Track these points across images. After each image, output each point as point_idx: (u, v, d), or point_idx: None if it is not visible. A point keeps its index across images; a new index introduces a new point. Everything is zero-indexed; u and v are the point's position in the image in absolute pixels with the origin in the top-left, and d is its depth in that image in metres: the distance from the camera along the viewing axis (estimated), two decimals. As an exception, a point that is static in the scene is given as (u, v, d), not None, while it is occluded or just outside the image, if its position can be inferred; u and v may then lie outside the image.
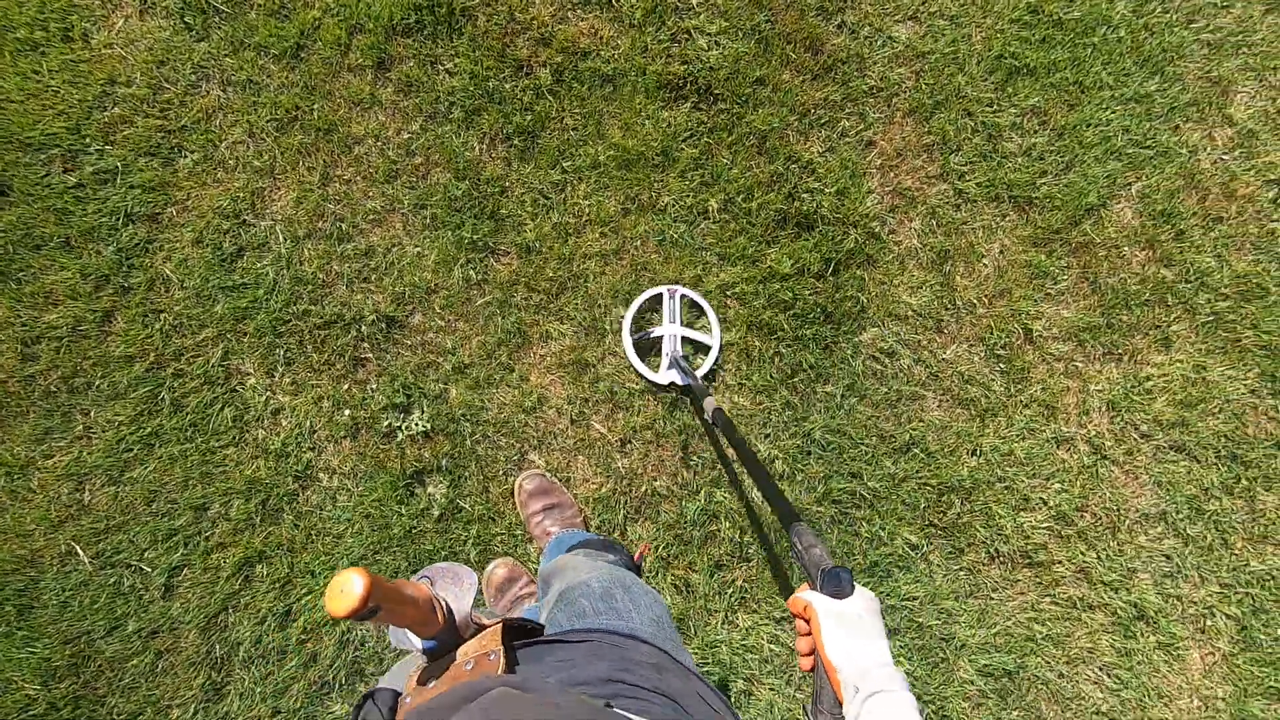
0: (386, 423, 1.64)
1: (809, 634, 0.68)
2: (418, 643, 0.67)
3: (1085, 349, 1.81)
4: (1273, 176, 1.86)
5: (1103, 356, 1.81)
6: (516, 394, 1.68)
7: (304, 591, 1.58)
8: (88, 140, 1.63)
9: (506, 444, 1.67)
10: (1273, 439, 1.80)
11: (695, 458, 1.71)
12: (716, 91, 1.80)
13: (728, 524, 1.70)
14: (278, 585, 1.58)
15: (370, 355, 1.66)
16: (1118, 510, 1.77)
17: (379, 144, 1.71)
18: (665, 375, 1.69)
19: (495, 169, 1.74)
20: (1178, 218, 1.83)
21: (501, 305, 1.70)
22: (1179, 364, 1.80)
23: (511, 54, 1.76)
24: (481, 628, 0.69)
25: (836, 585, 0.69)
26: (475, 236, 1.70)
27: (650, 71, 1.79)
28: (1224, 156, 1.87)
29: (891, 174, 1.83)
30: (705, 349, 1.74)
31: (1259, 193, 1.86)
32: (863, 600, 0.69)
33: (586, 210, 1.75)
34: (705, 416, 1.58)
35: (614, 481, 1.69)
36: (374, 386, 1.65)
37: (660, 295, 1.74)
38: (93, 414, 1.59)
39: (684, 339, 1.73)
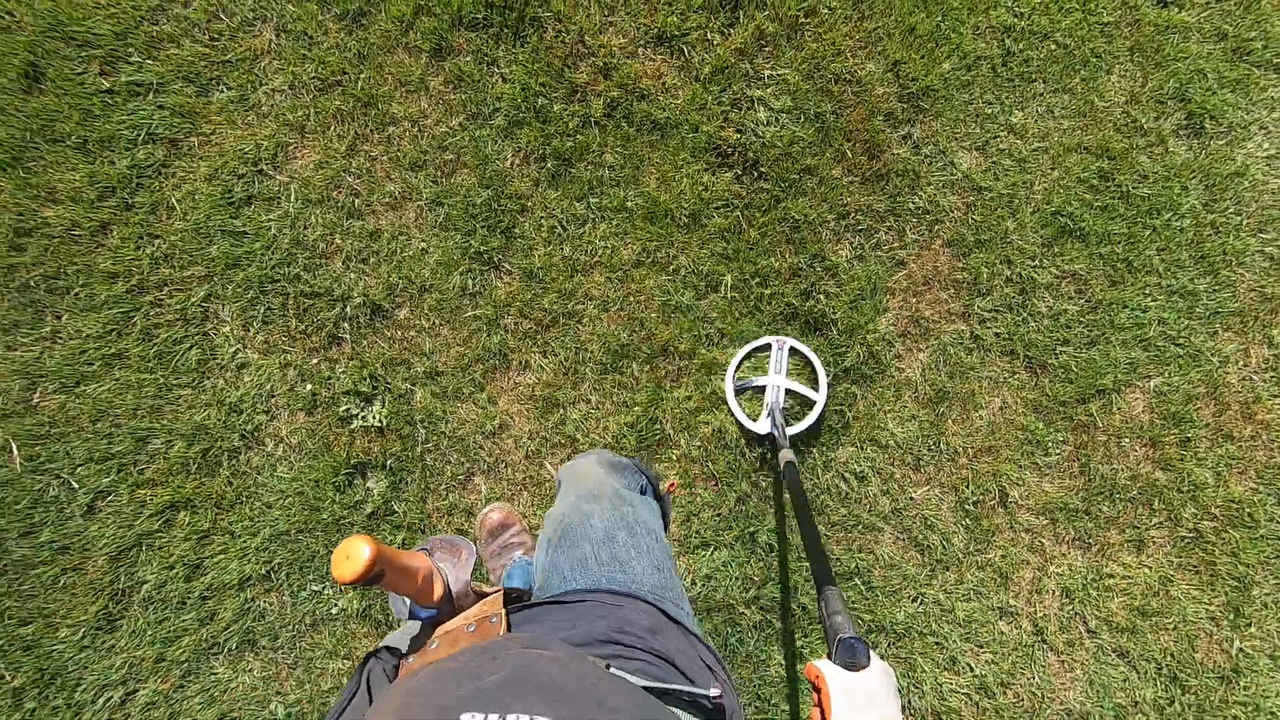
0: (345, 407, 1.62)
1: (820, 704, 0.69)
2: (420, 612, 0.70)
3: (1057, 529, 1.75)
4: (1297, 409, 1.79)
5: (1072, 541, 1.75)
6: (480, 414, 1.65)
7: (218, 550, 1.57)
8: (131, 49, 1.61)
9: (456, 461, 1.65)
10: (1218, 671, 1.74)
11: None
12: (763, 169, 1.75)
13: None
14: (196, 536, 1.58)
15: (348, 336, 1.64)
16: (1042, 698, 1.72)
17: (414, 130, 1.68)
18: (763, 425, 1.68)
19: (521, 186, 1.70)
20: (1188, 424, 1.77)
21: (490, 323, 1.67)
22: (1146, 570, 1.74)
23: (570, 76, 1.72)
24: (481, 596, 0.72)
25: (851, 656, 0.69)
26: (483, 248, 1.67)
27: (703, 130, 1.75)
28: (1254, 376, 1.80)
29: (913, 300, 1.78)
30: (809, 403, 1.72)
31: (1278, 422, 1.79)
32: (876, 673, 0.69)
33: (600, 252, 1.71)
34: (778, 467, 1.59)
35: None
36: (343, 368, 1.63)
37: (769, 345, 1.73)
38: (64, 319, 1.58)
39: (787, 391, 1.72)
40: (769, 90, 1.77)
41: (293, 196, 1.64)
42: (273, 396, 1.62)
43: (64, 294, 1.58)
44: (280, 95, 1.65)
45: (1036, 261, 1.78)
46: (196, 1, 1.63)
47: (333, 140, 1.66)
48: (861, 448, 1.74)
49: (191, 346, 1.60)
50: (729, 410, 1.70)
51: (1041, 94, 1.82)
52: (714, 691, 0.63)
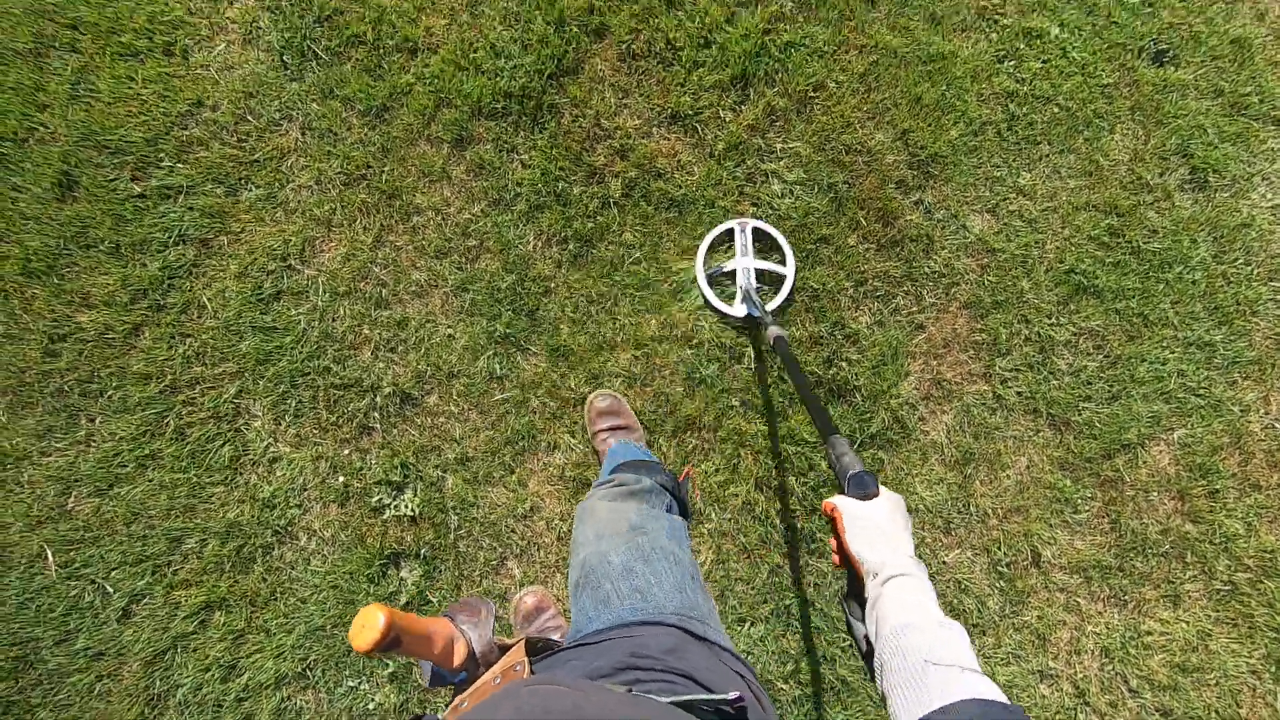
0: (377, 498, 1.63)
1: (836, 533, 0.74)
2: (448, 676, 0.71)
3: (1091, 587, 1.75)
4: (1322, 455, 1.79)
5: (1107, 599, 1.75)
6: (511, 498, 1.66)
7: (254, 649, 1.57)
8: (162, 154, 1.65)
9: (489, 546, 1.65)
10: (1263, 726, 1.73)
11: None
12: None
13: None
14: (231, 636, 1.57)
15: (378, 425, 1.66)
16: (1087, 760, 1.70)
17: (438, 218, 1.72)
18: (739, 309, 1.73)
19: (544, 268, 1.73)
20: (1215, 475, 1.78)
21: (518, 405, 1.69)
22: (1184, 626, 1.74)
23: (588, 159, 1.76)
24: (505, 649, 0.73)
25: (862, 488, 0.76)
26: (509, 331, 1.70)
27: (719, 205, 1.78)
28: (1276, 424, 1.81)
29: (935, 362, 1.79)
30: (779, 281, 1.76)
31: (1304, 468, 1.80)
32: (886, 500, 0.75)
33: (625, 329, 1.74)
34: (768, 344, 1.61)
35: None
36: (374, 458, 1.64)
37: (732, 230, 1.77)
38: (98, 422, 1.60)
39: (758, 271, 1.76)
40: (782, 163, 1.81)
41: (321, 290, 1.66)
42: (305, 490, 1.62)
43: (98, 397, 1.60)
44: (307, 191, 1.69)
45: (1053, 320, 1.81)
46: (225, 104, 1.68)
47: (359, 232, 1.69)
48: (891, 513, 1.74)
49: (224, 444, 1.61)
50: (704, 298, 1.74)
51: (1047, 155, 1.86)
52: (732, 695, 0.64)
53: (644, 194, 1.78)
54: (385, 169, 1.71)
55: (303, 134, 1.70)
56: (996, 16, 1.90)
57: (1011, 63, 1.88)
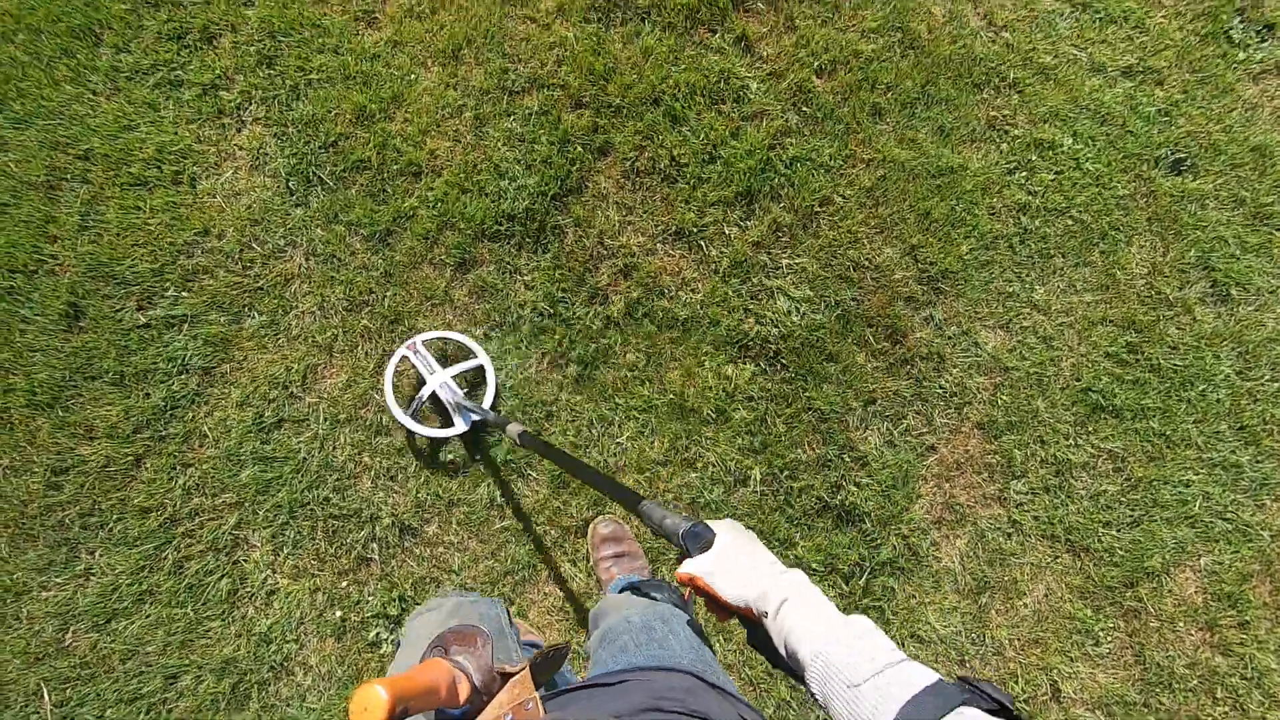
0: (375, 632, 1.60)
1: (710, 597, 0.72)
2: (450, 712, 0.68)
3: (1114, 725, 1.67)
4: (1359, 584, 1.71)
5: (1132, 738, 1.67)
6: (510, 630, 1.62)
7: (248, 793, 1.54)
8: (167, 284, 1.66)
9: (487, 681, 1.61)
10: None
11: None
12: (785, 359, 1.75)
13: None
14: (225, 777, 1.54)
15: (376, 557, 1.63)
16: None
17: (440, 343, 1.71)
18: (462, 424, 1.60)
19: (546, 392, 1.71)
20: (1245, 605, 1.70)
21: (518, 534, 1.66)
22: (1215, 769, 1.65)
23: (591, 280, 1.75)
24: (507, 676, 0.70)
25: (699, 540, 0.73)
26: (510, 457, 1.67)
27: (723, 324, 1.76)
28: (1309, 551, 1.73)
29: (947, 485, 1.74)
30: (481, 377, 1.66)
31: (1341, 599, 1.71)
32: (725, 537, 0.73)
33: (629, 452, 1.71)
34: (515, 444, 1.49)
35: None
36: (371, 590, 1.62)
37: (406, 357, 1.64)
38: (98, 555, 1.59)
39: (455, 378, 1.63)
40: (788, 279, 1.79)
41: (321, 417, 1.66)
42: (302, 624, 1.60)
43: (98, 530, 1.59)
44: (309, 317, 1.69)
45: (1070, 441, 1.75)
46: (230, 232, 1.69)
47: (360, 359, 1.68)
48: (902, 644, 1.68)
49: (222, 576, 1.60)
50: (419, 439, 1.64)
51: (1062, 269, 1.82)
52: None
53: (647, 313, 1.76)
54: (388, 294, 1.70)
55: (306, 260, 1.70)
56: (1007, 127, 1.86)
57: (1023, 174, 1.85)
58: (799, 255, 1.79)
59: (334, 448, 1.66)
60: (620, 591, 1.23)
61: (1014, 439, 1.74)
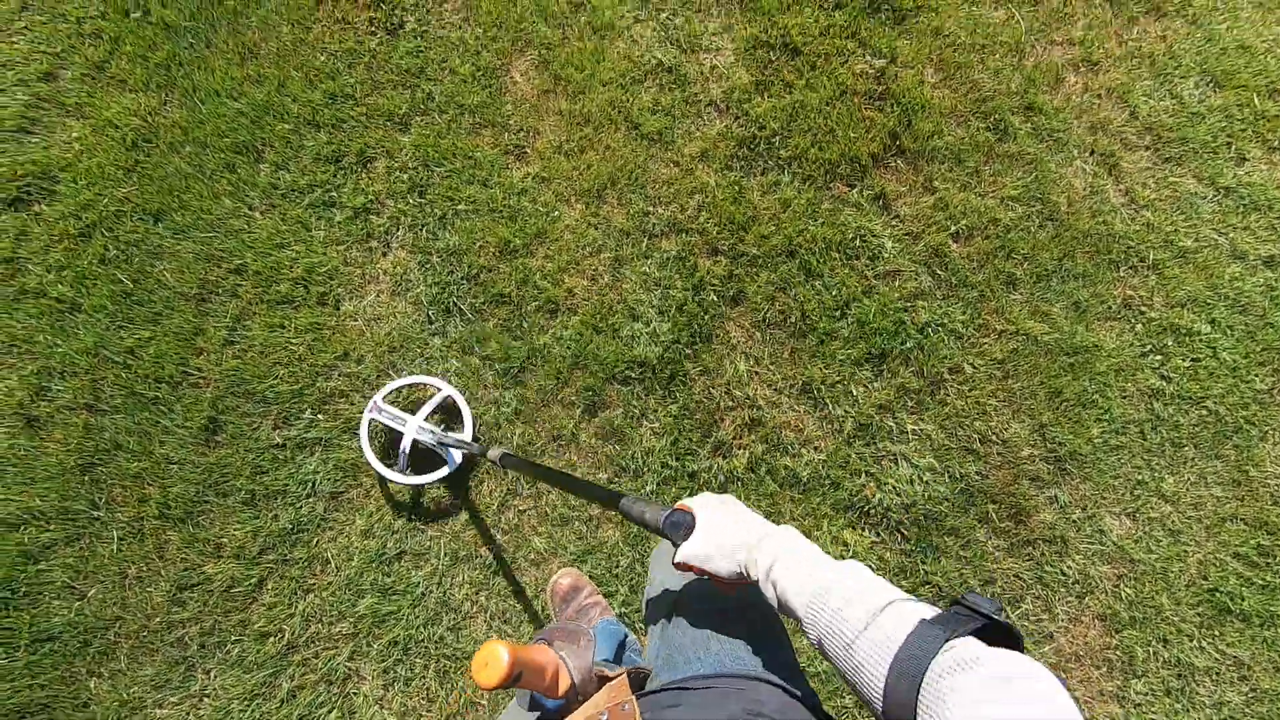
0: (478, 780, 1.58)
1: (709, 576, 0.73)
2: (546, 703, 0.71)
3: None
4: None
5: None
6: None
7: None
8: (304, 406, 1.69)
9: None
10: None
11: None
12: (905, 530, 1.73)
13: None
14: None
15: (485, 702, 1.62)
16: None
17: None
18: (454, 459, 1.64)
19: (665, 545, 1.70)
20: (1372, 838, 1.63)
21: (627, 689, 1.64)
22: None
23: (717, 433, 1.75)
24: (604, 679, 0.73)
25: (679, 526, 0.74)
26: (624, 609, 1.66)
27: (844, 486, 1.74)
28: None
29: (1063, 675, 1.70)
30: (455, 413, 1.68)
31: None
32: (708, 512, 0.73)
33: (740, 612, 1.68)
34: (497, 467, 1.55)
35: None
36: (478, 736, 1.61)
37: (373, 419, 1.63)
38: (214, 677, 1.59)
39: (428, 420, 1.63)
40: (912, 446, 1.77)
41: (442, 552, 1.66)
42: (407, 765, 1.59)
43: (215, 650, 1.60)
44: (438, 449, 1.70)
45: (1195, 643, 1.70)
46: (369, 358, 1.71)
47: (485, 495, 1.69)
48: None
49: (331, 709, 1.59)
50: (402, 489, 1.67)
51: (1193, 460, 1.78)
52: None
53: (769, 470, 1.75)
54: (517, 431, 1.71)
55: (440, 391, 1.72)
56: (1143, 308, 1.85)
57: (1158, 358, 1.82)
58: (925, 422, 1.78)
59: (452, 585, 1.66)
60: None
61: (1136, 635, 1.70)
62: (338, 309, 1.74)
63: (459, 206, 1.79)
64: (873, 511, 1.74)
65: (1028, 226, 1.87)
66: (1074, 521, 1.75)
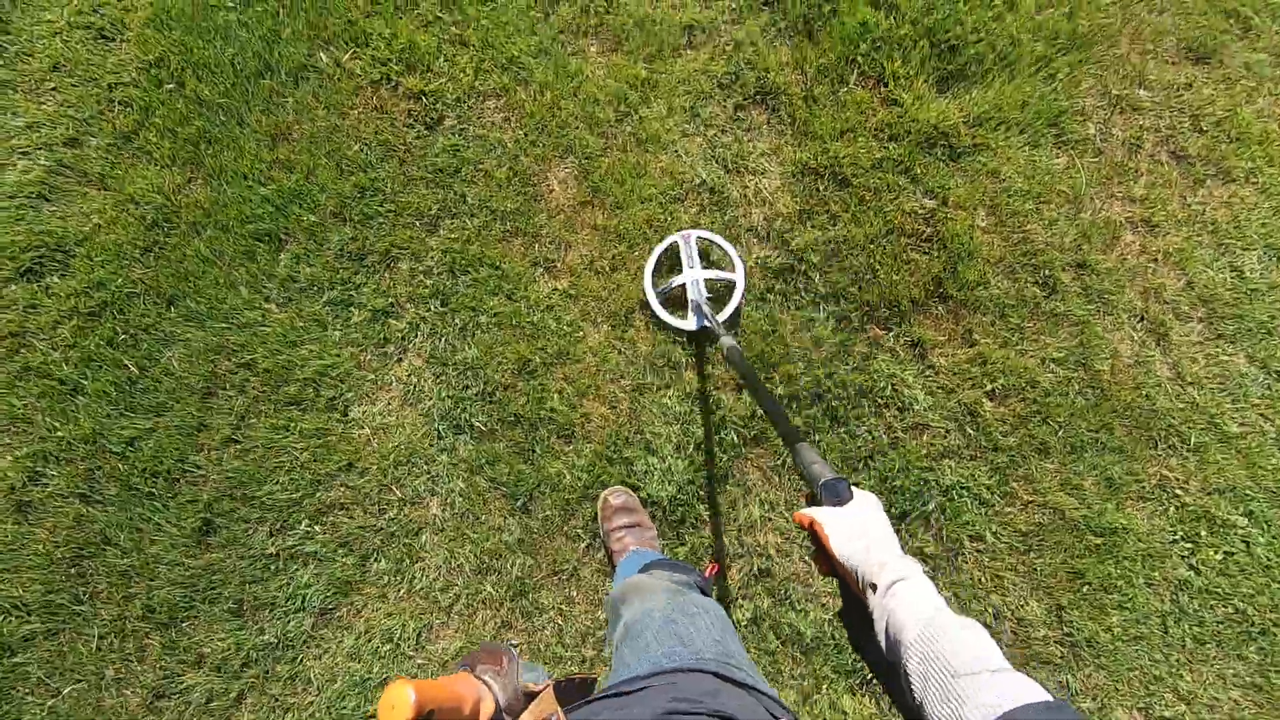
0: None
1: (819, 546, 0.71)
2: None
3: None
4: None
5: None
6: None
7: None
8: (301, 516, 1.64)
9: None
10: None
11: None
12: None
13: None
14: None
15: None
16: None
17: (560, 619, 1.65)
18: (690, 321, 1.70)
19: (658, 694, 1.64)
20: None
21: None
22: None
23: (723, 583, 1.68)
24: (532, 696, 0.71)
25: (836, 495, 0.73)
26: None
27: (848, 650, 1.68)
28: None
29: None
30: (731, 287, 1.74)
31: None
32: (862, 502, 0.72)
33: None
34: (722, 355, 1.59)
35: None
36: None
37: (676, 244, 1.74)
38: (182, 791, 1.55)
39: (708, 281, 1.73)
40: (923, 614, 1.70)
41: (428, 682, 1.60)
42: None
43: (188, 763, 1.56)
44: (435, 573, 1.64)
45: None
46: (373, 469, 1.66)
47: (478, 626, 1.63)
48: None
49: (300, 837, 1.55)
50: (654, 313, 1.71)
51: (1214, 659, 1.71)
52: None
53: (773, 625, 1.68)
54: (517, 561, 1.65)
55: (443, 510, 1.67)
56: (1178, 492, 1.77)
57: (1188, 546, 1.75)
58: (938, 589, 1.71)
59: (435, 718, 1.60)
60: (640, 571, 1.21)
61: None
62: (345, 415, 1.69)
63: (481, 318, 1.73)
64: (875, 679, 1.68)
65: (1067, 392, 1.80)
66: (1085, 711, 1.68)
